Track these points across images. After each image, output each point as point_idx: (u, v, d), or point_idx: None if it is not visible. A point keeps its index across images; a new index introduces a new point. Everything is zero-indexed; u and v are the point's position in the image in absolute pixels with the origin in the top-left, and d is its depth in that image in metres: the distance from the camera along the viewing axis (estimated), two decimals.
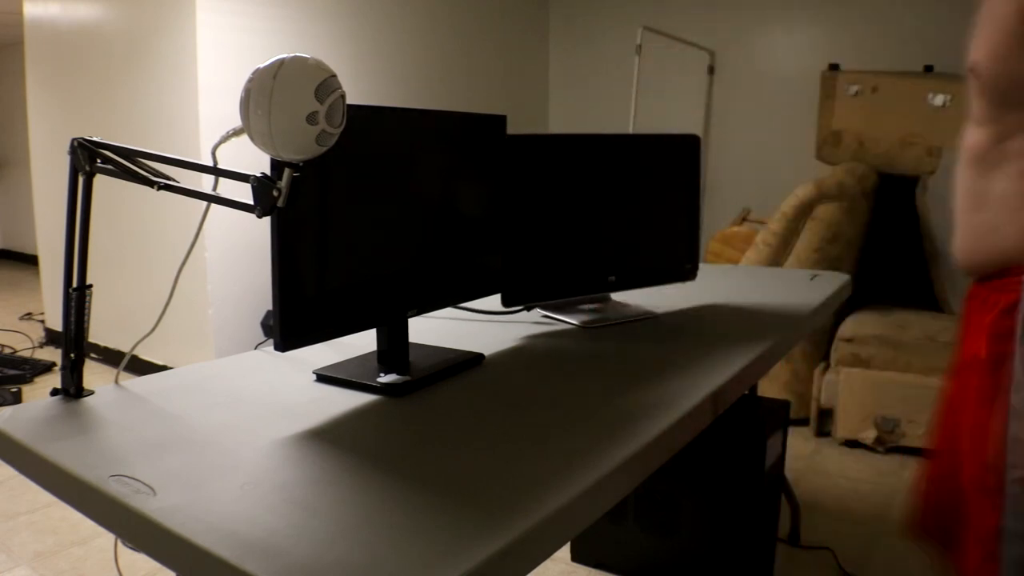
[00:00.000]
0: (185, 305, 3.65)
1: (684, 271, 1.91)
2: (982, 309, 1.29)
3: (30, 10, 4.43)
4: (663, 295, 2.00)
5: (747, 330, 1.64)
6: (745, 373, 1.39)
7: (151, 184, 1.16)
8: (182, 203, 3.84)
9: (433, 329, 1.65)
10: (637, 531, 2.07)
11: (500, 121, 1.53)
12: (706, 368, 1.36)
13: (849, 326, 3.15)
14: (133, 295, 3.99)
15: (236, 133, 1.06)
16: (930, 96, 3.29)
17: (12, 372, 3.94)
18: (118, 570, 2.21)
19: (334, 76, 0.99)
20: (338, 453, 0.98)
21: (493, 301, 1.90)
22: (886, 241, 3.78)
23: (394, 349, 1.34)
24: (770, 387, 3.26)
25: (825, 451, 3.03)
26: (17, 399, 3.62)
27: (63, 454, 0.97)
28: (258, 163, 1.04)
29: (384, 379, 1.24)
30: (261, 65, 0.97)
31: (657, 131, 1.94)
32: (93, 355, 4.15)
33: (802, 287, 2.13)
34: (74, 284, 1.20)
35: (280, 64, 0.96)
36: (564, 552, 2.22)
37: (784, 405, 2.10)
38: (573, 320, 1.71)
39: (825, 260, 3.24)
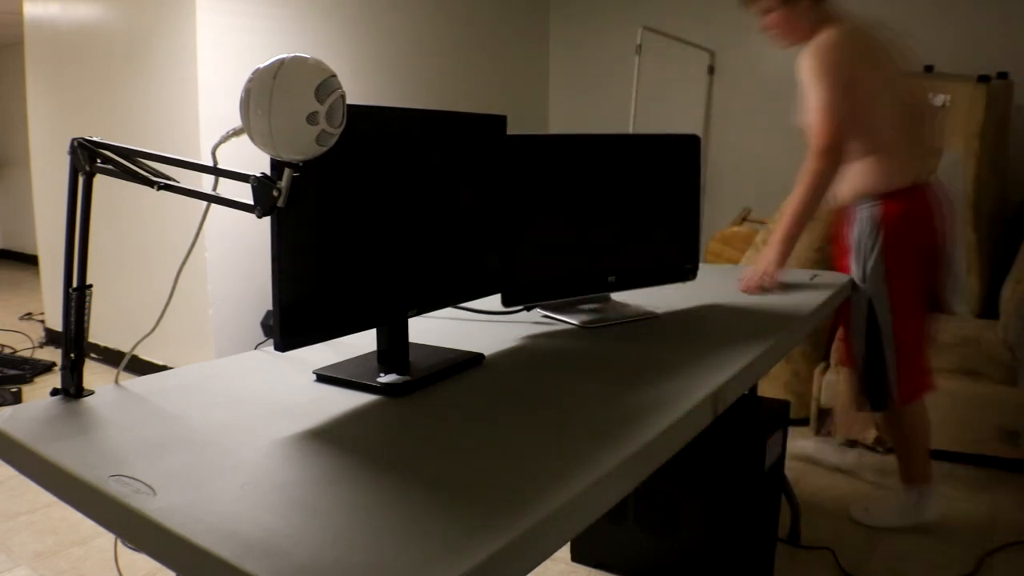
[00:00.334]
0: (185, 305, 3.65)
1: (684, 271, 1.91)
2: (846, 222, 2.33)
3: (30, 10, 4.43)
4: (663, 295, 2.00)
5: (747, 330, 1.64)
6: (745, 373, 1.39)
7: (151, 184, 1.16)
8: (182, 203, 3.84)
9: (433, 329, 1.65)
10: (637, 531, 2.07)
11: (500, 121, 1.53)
12: (706, 368, 1.36)
13: None
14: (133, 295, 3.99)
15: (236, 133, 1.06)
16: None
17: (12, 372, 3.94)
18: (118, 570, 2.21)
19: (334, 76, 0.99)
20: (338, 453, 0.98)
21: (493, 301, 1.91)
22: None
23: (394, 349, 1.34)
24: (770, 387, 3.26)
25: (825, 451, 3.03)
26: (17, 399, 3.62)
27: (63, 454, 0.97)
28: (258, 163, 1.04)
29: (384, 379, 1.24)
30: (261, 65, 0.97)
31: (657, 131, 1.93)
32: (93, 355, 4.15)
33: (802, 287, 2.13)
34: (74, 284, 1.20)
35: (280, 64, 0.96)
36: (564, 552, 2.22)
37: (784, 405, 2.10)
38: (573, 320, 1.71)
39: (825, 260, 3.24)
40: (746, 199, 4.66)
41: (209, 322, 3.64)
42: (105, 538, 2.34)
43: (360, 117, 1.19)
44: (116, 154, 1.17)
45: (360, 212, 1.24)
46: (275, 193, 1.02)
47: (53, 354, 4.38)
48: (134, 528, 0.84)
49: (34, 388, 3.84)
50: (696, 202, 1.92)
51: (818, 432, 3.19)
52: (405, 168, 1.32)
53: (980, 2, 3.91)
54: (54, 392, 1.20)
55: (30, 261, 7.28)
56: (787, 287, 2.14)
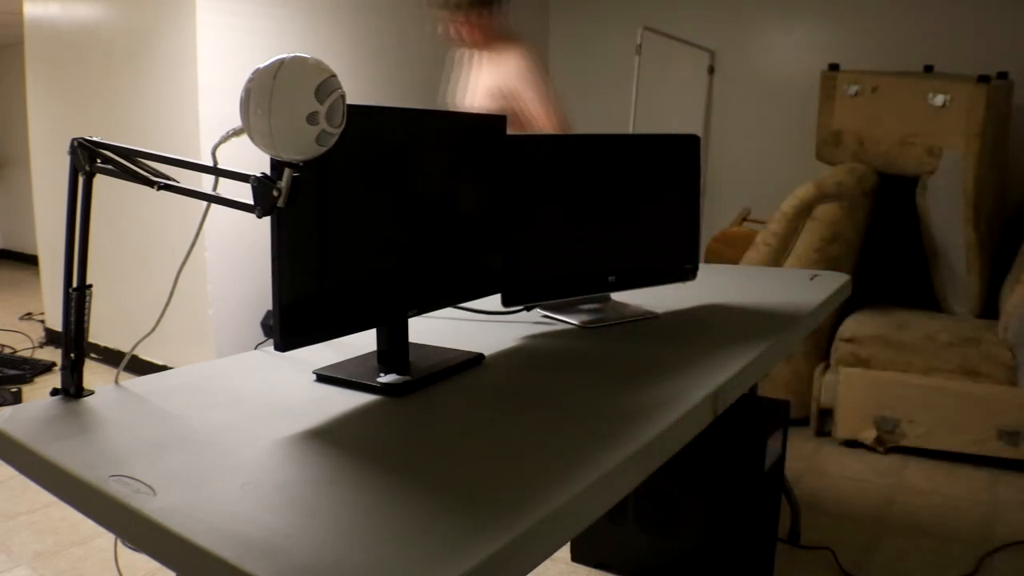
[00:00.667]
0: (185, 305, 3.65)
1: (684, 271, 1.91)
2: None
3: (30, 10, 4.43)
4: (663, 295, 2.00)
5: (747, 330, 1.64)
6: (745, 373, 1.39)
7: (151, 184, 1.16)
8: (182, 203, 3.84)
9: (433, 329, 1.65)
10: (637, 531, 2.07)
11: (500, 121, 1.53)
12: (706, 368, 1.36)
13: (849, 326, 3.15)
14: (133, 295, 3.99)
15: (236, 133, 1.06)
16: (930, 96, 3.29)
17: (12, 372, 3.94)
18: (118, 570, 2.21)
19: (334, 76, 0.99)
20: (338, 453, 0.98)
21: (493, 301, 1.91)
22: (886, 241, 3.79)
23: (394, 349, 1.35)
24: (770, 387, 3.26)
25: (825, 451, 3.03)
26: (17, 399, 3.62)
27: (63, 454, 0.97)
28: (258, 163, 1.04)
29: (384, 379, 1.24)
30: (261, 65, 0.97)
31: (657, 131, 1.93)
32: (93, 355, 4.15)
33: (802, 287, 2.13)
34: (74, 284, 1.20)
35: (280, 64, 0.96)
36: (564, 552, 2.22)
37: (784, 405, 2.10)
38: (573, 320, 1.71)
39: (825, 260, 3.24)
40: (746, 199, 4.66)
41: (209, 322, 3.64)
42: (105, 538, 2.34)
43: (360, 117, 1.19)
44: (116, 154, 1.17)
45: (360, 212, 1.24)
46: (275, 193, 1.02)
47: (53, 354, 4.38)
48: (134, 528, 0.84)
49: (34, 388, 3.84)
50: (696, 202, 1.92)
51: (818, 432, 3.19)
52: (405, 168, 1.32)
53: (980, 2, 3.91)
54: (54, 392, 1.20)
55: (30, 261, 7.28)
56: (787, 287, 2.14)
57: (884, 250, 3.82)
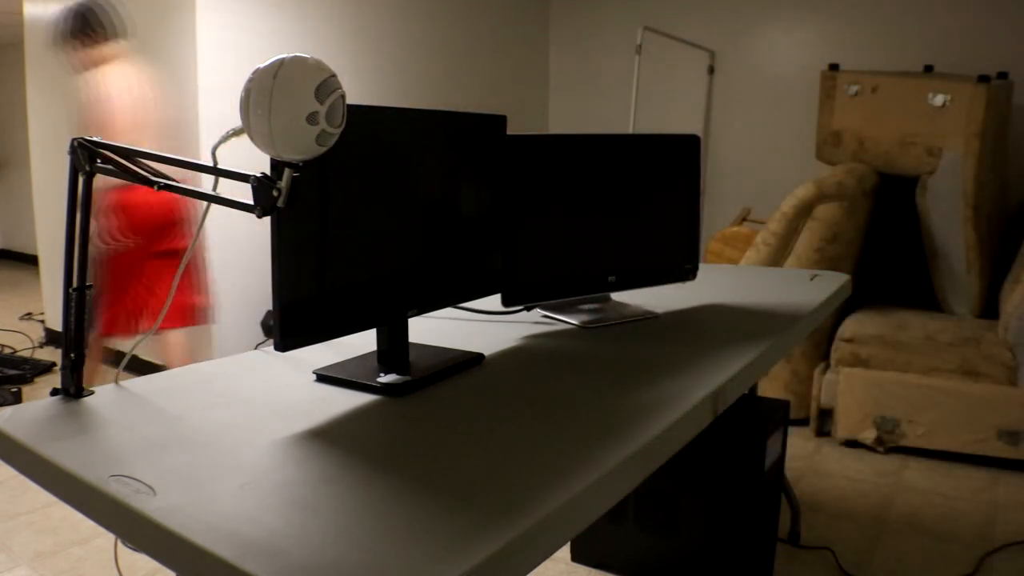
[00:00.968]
0: None
1: (684, 271, 1.91)
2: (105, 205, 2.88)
3: (30, 10, 4.43)
4: (663, 295, 2.00)
5: (747, 330, 1.64)
6: (745, 373, 1.39)
7: (151, 184, 1.16)
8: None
9: (433, 329, 1.65)
10: (637, 531, 2.07)
11: (500, 121, 1.53)
12: (706, 368, 1.36)
13: (849, 326, 3.15)
14: None
15: (236, 133, 1.06)
16: (930, 96, 3.29)
17: (12, 372, 3.94)
18: (118, 570, 2.21)
19: (334, 76, 0.99)
20: (338, 453, 0.98)
21: (493, 301, 1.91)
22: (886, 241, 3.79)
23: (394, 349, 1.35)
24: (770, 387, 3.26)
25: (825, 451, 3.03)
26: (17, 399, 3.62)
27: (63, 454, 0.97)
28: (258, 163, 1.04)
29: (384, 379, 1.24)
30: (261, 65, 0.97)
31: (657, 131, 1.93)
32: None
33: (802, 287, 2.13)
34: (74, 284, 1.20)
35: (280, 64, 0.96)
36: (564, 552, 2.22)
37: (784, 405, 2.10)
38: (573, 320, 1.71)
39: (825, 260, 3.24)
40: (746, 199, 4.66)
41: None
42: (105, 538, 2.34)
43: (360, 117, 1.19)
44: (116, 154, 1.17)
45: (360, 212, 1.24)
46: (275, 193, 1.02)
47: (53, 354, 4.38)
48: (134, 528, 0.84)
49: (34, 388, 3.84)
50: (696, 202, 1.92)
51: (818, 432, 3.19)
52: (405, 168, 1.32)
53: (980, 2, 3.91)
54: (54, 392, 1.20)
55: (30, 261, 7.29)
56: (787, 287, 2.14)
57: (884, 250, 3.82)
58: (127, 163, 1.17)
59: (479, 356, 1.41)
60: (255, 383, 1.29)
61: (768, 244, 3.28)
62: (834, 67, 3.65)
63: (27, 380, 3.91)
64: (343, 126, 1.01)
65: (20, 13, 4.50)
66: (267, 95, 0.95)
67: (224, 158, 1.09)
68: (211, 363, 1.40)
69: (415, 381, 1.25)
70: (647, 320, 1.75)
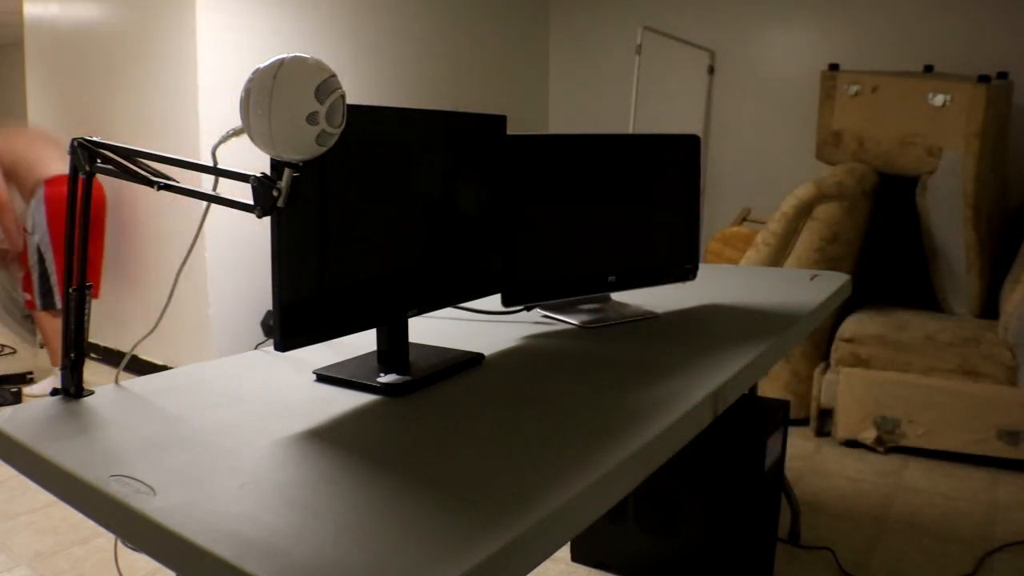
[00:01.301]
0: (185, 305, 3.65)
1: (684, 271, 1.91)
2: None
3: (30, 10, 4.43)
4: (663, 295, 2.00)
5: (747, 330, 1.64)
6: (745, 373, 1.39)
7: (151, 184, 1.16)
8: (182, 203, 3.83)
9: (433, 329, 1.65)
10: (637, 531, 2.07)
11: (500, 121, 1.53)
12: (706, 368, 1.36)
13: (849, 326, 3.15)
14: (133, 295, 3.99)
15: (236, 133, 1.06)
16: (930, 96, 3.29)
17: (12, 372, 3.94)
18: (118, 570, 2.21)
19: (334, 76, 0.99)
20: (338, 453, 0.98)
21: (493, 301, 1.91)
22: (886, 241, 3.79)
23: (394, 349, 1.35)
24: (770, 387, 3.26)
25: (825, 451, 3.03)
26: (17, 399, 3.62)
27: (63, 454, 0.97)
28: (258, 163, 1.04)
29: (384, 379, 1.24)
30: (261, 65, 0.97)
31: (657, 131, 1.93)
32: (93, 355, 4.15)
33: (802, 287, 2.13)
34: (74, 284, 1.20)
35: (280, 64, 0.96)
36: (564, 552, 2.22)
37: (784, 405, 2.10)
38: (573, 320, 1.71)
39: (825, 260, 3.24)
40: (746, 199, 4.66)
41: (209, 322, 3.64)
42: (105, 538, 2.34)
43: (360, 117, 1.19)
44: (116, 154, 1.17)
45: (360, 212, 1.24)
46: (275, 193, 1.02)
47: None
48: (134, 528, 0.84)
49: (34, 388, 3.84)
50: (696, 202, 1.92)
51: (818, 432, 3.19)
52: (405, 168, 1.32)
53: (980, 2, 3.91)
54: (54, 392, 1.20)
55: None
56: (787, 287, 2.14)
57: (884, 250, 3.82)
58: (127, 163, 1.17)
59: (479, 356, 1.41)
60: (255, 383, 1.29)
61: (768, 244, 3.28)
62: (834, 67, 3.65)
63: (27, 380, 3.91)
64: (343, 126, 1.01)
65: (20, 13, 4.50)
66: (267, 95, 0.95)
67: (224, 158, 1.09)
68: (211, 363, 1.40)
69: (415, 381, 1.25)
70: (647, 320, 1.75)
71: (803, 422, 3.26)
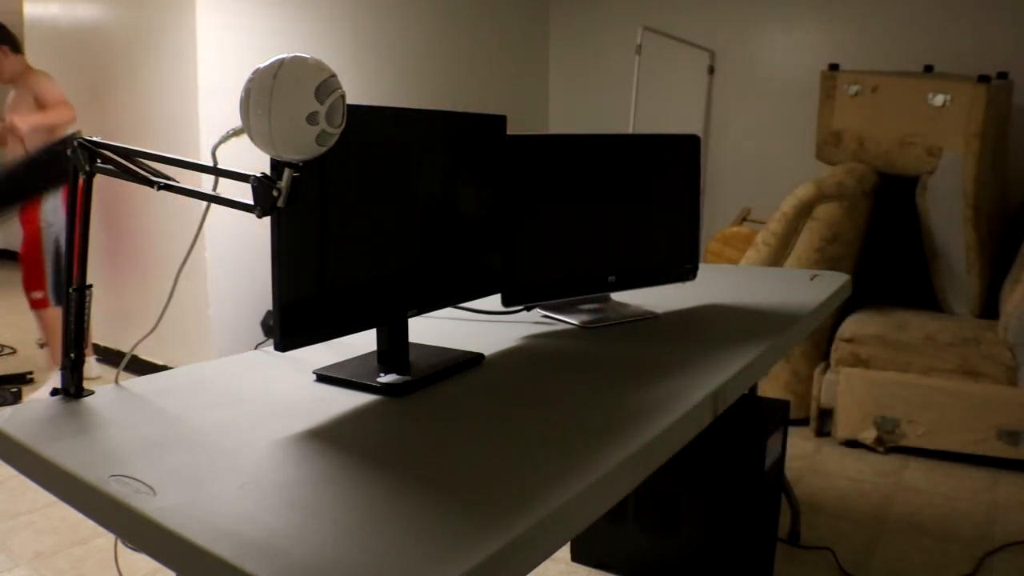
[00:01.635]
0: (185, 305, 3.65)
1: (684, 271, 1.91)
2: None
3: (30, 10, 4.43)
4: (663, 295, 2.00)
5: (747, 330, 1.64)
6: (745, 373, 1.39)
7: (151, 184, 1.16)
8: (182, 203, 3.83)
9: (433, 329, 1.65)
10: (637, 531, 2.07)
11: (500, 121, 1.53)
12: (706, 368, 1.36)
13: (849, 326, 3.15)
14: (133, 295, 3.98)
15: (236, 133, 1.06)
16: (930, 96, 3.29)
17: (12, 372, 3.94)
18: (118, 570, 2.21)
19: (334, 76, 0.99)
20: (338, 453, 0.98)
21: (493, 301, 1.91)
22: (886, 241, 3.79)
23: (394, 349, 1.35)
24: (770, 387, 3.26)
25: (825, 451, 3.03)
26: (17, 399, 3.62)
27: (63, 454, 0.97)
28: (258, 163, 1.04)
29: (384, 379, 1.24)
30: (261, 65, 0.97)
31: (657, 131, 1.93)
32: (93, 355, 4.15)
33: (802, 287, 2.13)
34: (74, 284, 1.20)
35: (280, 64, 0.96)
36: (564, 552, 2.22)
37: (784, 405, 2.10)
38: (573, 320, 1.71)
39: (825, 260, 3.24)
40: (746, 199, 4.66)
41: (209, 322, 3.64)
42: (105, 538, 2.34)
43: (360, 117, 1.19)
44: (116, 154, 1.17)
45: (360, 212, 1.24)
46: (275, 193, 1.02)
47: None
48: (134, 528, 0.84)
49: (34, 388, 3.84)
50: (696, 202, 1.92)
51: (818, 432, 3.19)
52: (405, 168, 1.32)
53: (980, 2, 3.91)
54: (54, 392, 1.20)
55: None
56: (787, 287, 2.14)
57: (884, 250, 3.82)
58: (127, 163, 1.18)
59: (479, 356, 1.41)
60: (255, 383, 1.29)
61: (768, 244, 3.28)
62: (834, 67, 3.65)
63: (27, 380, 3.91)
64: (343, 126, 1.01)
65: (20, 13, 4.50)
66: (267, 95, 0.95)
67: (224, 158, 1.09)
68: (211, 363, 1.40)
69: (415, 381, 1.25)
70: (647, 320, 1.75)
71: (803, 422, 3.26)
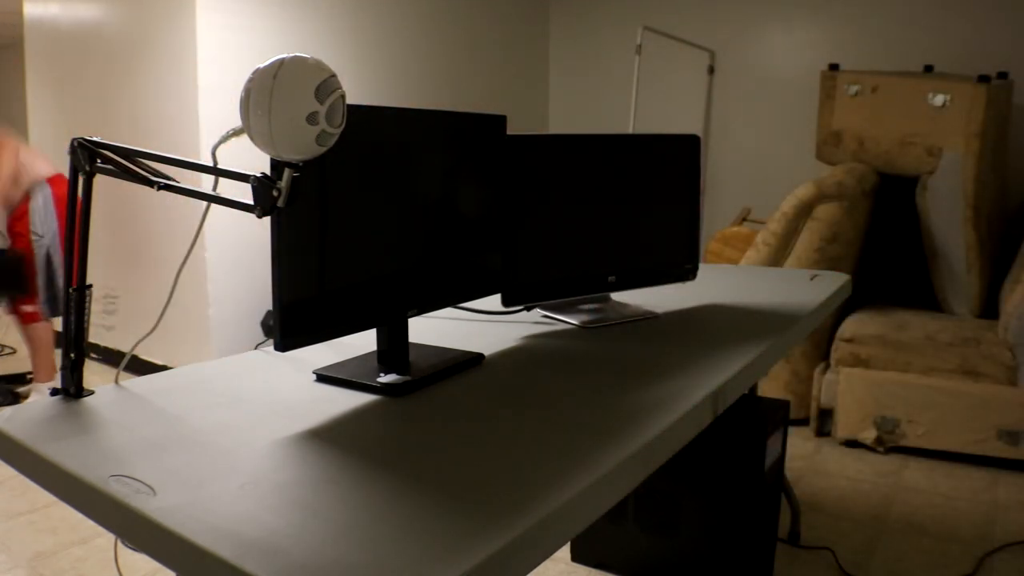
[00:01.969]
0: (185, 305, 3.65)
1: (684, 271, 1.91)
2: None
3: (30, 10, 4.43)
4: (663, 295, 2.00)
5: (747, 330, 1.64)
6: (745, 373, 1.39)
7: (151, 184, 1.16)
8: (182, 203, 3.83)
9: (433, 329, 1.65)
10: (637, 531, 2.07)
11: (500, 121, 1.53)
12: (706, 368, 1.36)
13: (849, 326, 3.15)
14: (132, 295, 3.98)
15: (236, 133, 1.06)
16: (930, 96, 3.29)
17: (12, 372, 3.94)
18: (118, 570, 2.21)
19: (334, 76, 0.99)
20: (338, 453, 0.98)
21: (493, 301, 1.91)
22: (886, 241, 3.79)
23: (394, 349, 1.35)
24: (770, 387, 3.26)
25: (825, 451, 3.03)
26: (17, 399, 3.62)
27: (63, 454, 0.97)
28: (258, 163, 1.04)
29: (384, 379, 1.24)
30: (261, 65, 0.97)
31: (657, 131, 1.93)
32: (93, 355, 4.15)
33: (802, 287, 2.13)
34: (74, 284, 1.20)
35: (280, 64, 0.96)
36: (564, 552, 2.22)
37: (784, 405, 2.10)
38: (573, 320, 1.71)
39: (825, 260, 3.24)
40: (746, 199, 4.66)
41: (209, 322, 3.64)
42: (105, 538, 2.34)
43: (360, 117, 1.19)
44: (116, 154, 1.17)
45: (360, 212, 1.24)
46: (275, 193, 1.02)
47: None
48: (134, 528, 0.84)
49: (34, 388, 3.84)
50: (696, 202, 1.92)
51: (818, 432, 3.19)
52: (405, 168, 1.32)
53: (980, 2, 3.91)
54: (54, 392, 1.20)
55: None
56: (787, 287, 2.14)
57: (884, 250, 3.82)
58: (127, 163, 1.18)
59: (479, 356, 1.41)
60: (255, 383, 1.29)
61: (768, 244, 3.28)
62: (834, 67, 3.65)
63: (27, 380, 3.91)
64: (343, 126, 1.01)
65: (20, 13, 4.50)
66: (267, 95, 0.95)
67: (224, 158, 1.09)
68: (211, 363, 1.40)
69: (415, 381, 1.25)
70: (647, 320, 1.75)
71: (803, 422, 3.26)
